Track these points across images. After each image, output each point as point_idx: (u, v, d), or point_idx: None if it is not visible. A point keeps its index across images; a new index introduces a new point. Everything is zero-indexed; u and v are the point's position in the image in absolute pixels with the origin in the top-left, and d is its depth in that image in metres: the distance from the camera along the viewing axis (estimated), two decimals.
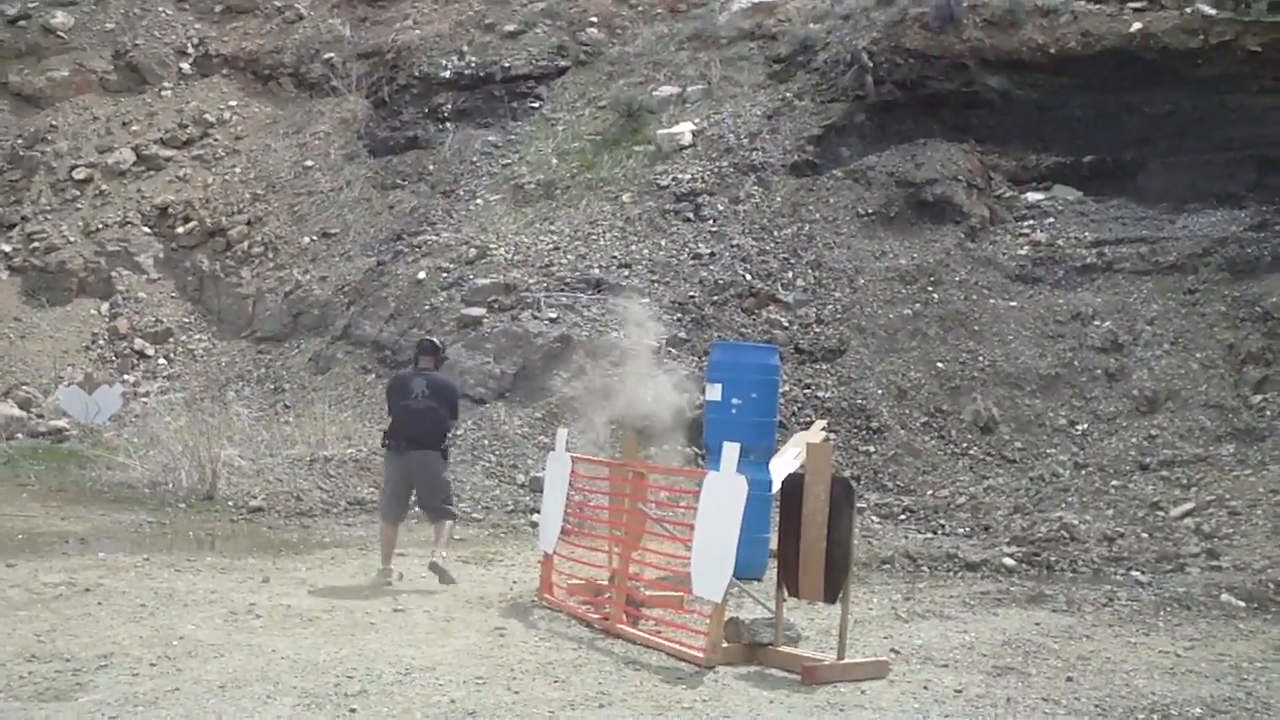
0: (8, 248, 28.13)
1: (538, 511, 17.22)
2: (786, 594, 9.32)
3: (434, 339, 14.14)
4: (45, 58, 31.09)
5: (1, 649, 9.07)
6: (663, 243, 22.52)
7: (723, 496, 9.08)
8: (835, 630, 10.06)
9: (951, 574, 14.09)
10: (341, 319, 24.10)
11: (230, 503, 17.87)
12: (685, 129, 24.65)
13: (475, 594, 11.91)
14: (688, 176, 23.61)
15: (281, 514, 17.40)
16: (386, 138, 27.62)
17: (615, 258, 22.33)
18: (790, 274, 21.64)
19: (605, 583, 11.26)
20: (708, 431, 13.60)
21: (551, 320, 21.24)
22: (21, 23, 31.44)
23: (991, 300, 20.66)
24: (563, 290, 21.71)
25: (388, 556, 12.70)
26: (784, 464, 13.71)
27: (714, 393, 13.37)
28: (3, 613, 10.40)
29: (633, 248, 22.52)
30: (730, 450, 9.20)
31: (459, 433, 19.85)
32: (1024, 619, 11.59)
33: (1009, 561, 14.54)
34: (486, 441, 19.79)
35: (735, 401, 13.10)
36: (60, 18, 31.45)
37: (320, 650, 9.24)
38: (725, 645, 9.10)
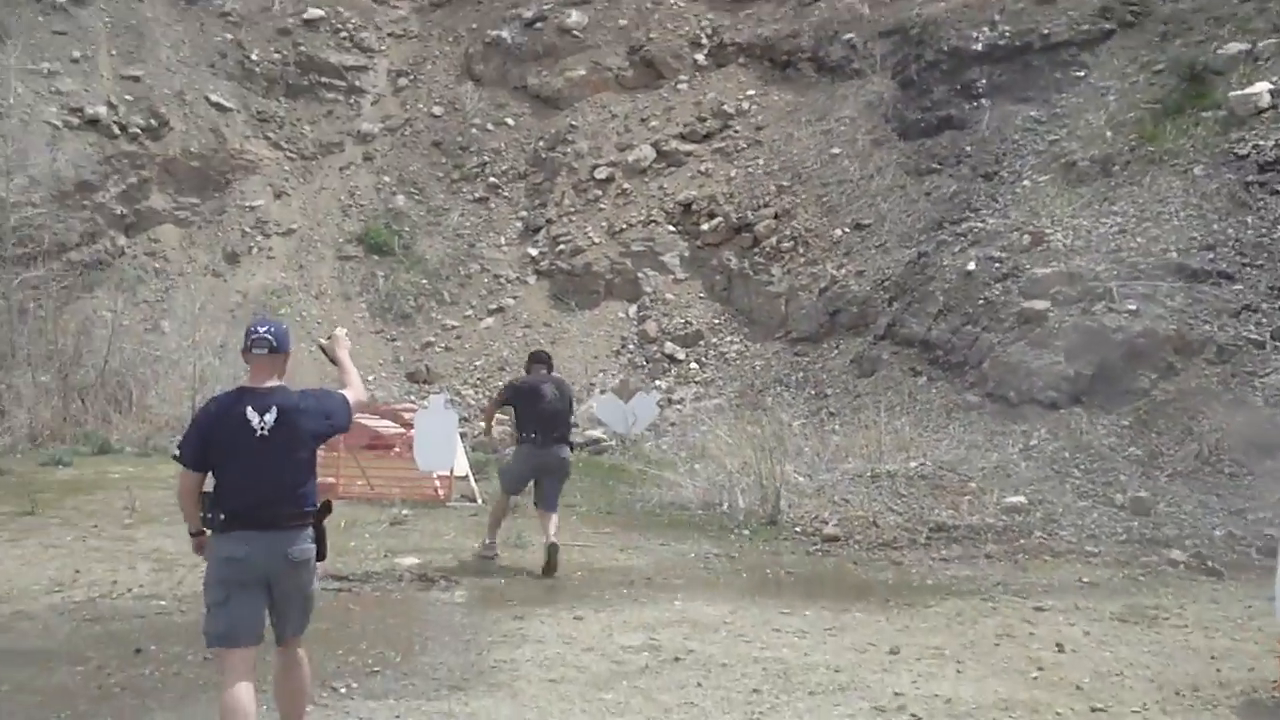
0: (534, 251, 26.89)
1: (1159, 543, 14.01)
2: None
3: (544, 350, 15.72)
4: (562, 58, 29.99)
5: None
6: (1249, 220, 18.69)
7: None
8: None
9: None
10: (884, 316, 21.24)
11: (797, 529, 15.04)
12: (1262, 89, 20.50)
13: (1182, 679, 8.57)
14: (1271, 144, 19.59)
15: (861, 545, 14.20)
16: (917, 119, 24.56)
17: (1194, 239, 18.59)
18: None
19: None
20: None
21: (1131, 313, 17.82)
22: (538, 25, 30.35)
23: None
24: (1138, 278, 18.24)
25: (493, 529, 13.37)
26: None
27: None
28: (582, 693, 8.00)
29: (1214, 227, 18.73)
30: None
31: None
32: None
33: None
34: (1068, 454, 16.59)
35: None
36: (575, 17, 30.23)
37: None
38: None
